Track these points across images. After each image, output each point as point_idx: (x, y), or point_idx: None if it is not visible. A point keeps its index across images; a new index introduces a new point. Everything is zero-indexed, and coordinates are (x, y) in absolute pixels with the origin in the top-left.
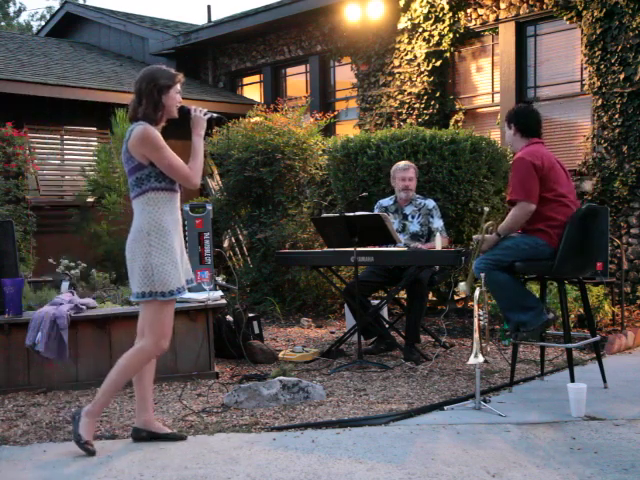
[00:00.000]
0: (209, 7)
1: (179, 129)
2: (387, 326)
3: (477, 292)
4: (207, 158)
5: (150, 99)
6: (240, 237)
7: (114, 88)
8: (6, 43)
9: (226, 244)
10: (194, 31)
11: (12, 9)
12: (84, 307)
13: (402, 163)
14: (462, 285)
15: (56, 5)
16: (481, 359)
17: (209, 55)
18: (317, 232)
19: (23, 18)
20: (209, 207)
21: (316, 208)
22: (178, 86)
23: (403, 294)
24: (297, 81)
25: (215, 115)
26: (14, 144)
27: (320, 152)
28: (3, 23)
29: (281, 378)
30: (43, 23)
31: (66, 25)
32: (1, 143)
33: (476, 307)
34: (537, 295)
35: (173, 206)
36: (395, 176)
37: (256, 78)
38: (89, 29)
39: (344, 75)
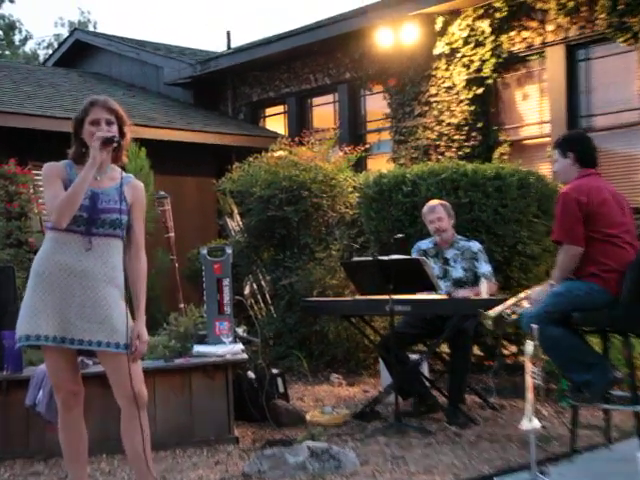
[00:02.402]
0: (229, 33)
1: (194, 166)
2: (428, 384)
3: (530, 346)
4: (226, 196)
5: (72, 136)
6: (262, 283)
7: None
8: (11, 74)
9: (247, 291)
10: (213, 59)
11: (17, 37)
12: (90, 362)
13: (426, 206)
14: (488, 314)
15: (64, 33)
16: (536, 423)
17: (229, 84)
18: (348, 278)
19: (29, 47)
20: (229, 250)
21: (346, 251)
22: (95, 114)
23: (445, 348)
24: (324, 112)
25: (112, 136)
26: (17, 182)
27: (350, 189)
28: (8, 52)
29: (309, 444)
30: (50, 52)
31: (75, 54)
32: (3, 181)
33: (529, 363)
34: (599, 350)
35: (61, 246)
36: (425, 220)
37: (280, 109)
38: (99, 58)
39: (376, 105)
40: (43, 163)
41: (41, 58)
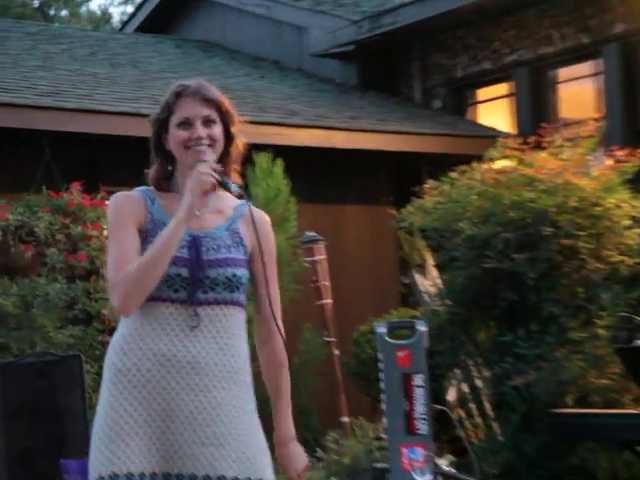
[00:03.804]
0: None
1: (361, 188)
2: None
3: None
4: (414, 237)
5: (152, 148)
6: (478, 383)
7: (252, 117)
8: (71, 47)
9: (453, 396)
10: (389, 11)
11: None
12: None
13: None
14: None
15: None
16: None
17: (415, 52)
18: (628, 374)
19: (97, 3)
20: (421, 328)
21: (624, 329)
22: (185, 110)
23: None
24: (578, 92)
25: (235, 190)
26: (83, 220)
27: (628, 222)
28: (65, 12)
29: None
30: (131, 10)
31: (169, 12)
32: (62, 219)
33: None
34: None
35: (151, 325)
36: None
37: (502, 89)
38: (207, 17)
39: None
40: (121, 187)
41: (115, 21)
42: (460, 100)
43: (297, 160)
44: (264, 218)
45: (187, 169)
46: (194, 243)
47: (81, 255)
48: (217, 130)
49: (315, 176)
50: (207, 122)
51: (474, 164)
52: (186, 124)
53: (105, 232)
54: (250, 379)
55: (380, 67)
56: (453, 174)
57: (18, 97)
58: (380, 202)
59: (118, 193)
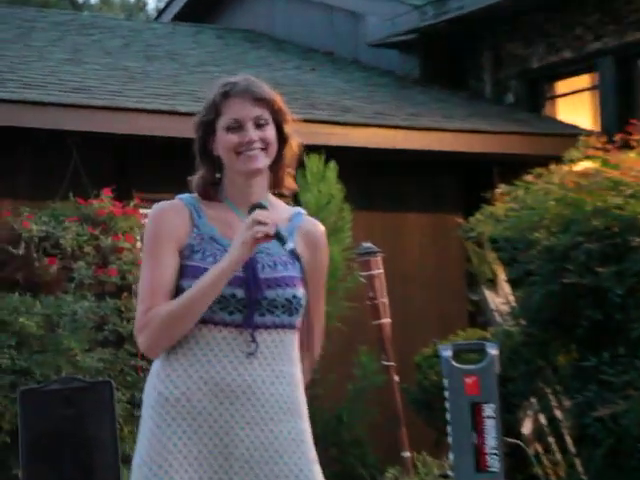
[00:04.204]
0: None
1: (423, 193)
2: None
3: None
4: (484, 249)
5: (197, 153)
6: (557, 414)
7: (302, 114)
8: (103, 37)
9: (528, 429)
10: None
11: None
12: None
13: None
14: None
15: None
16: None
17: (485, 40)
18: None
19: None
20: (492, 351)
21: None
22: (234, 111)
23: None
24: None
25: (289, 247)
26: (115, 230)
27: None
28: None
29: None
30: None
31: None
32: (91, 229)
33: None
34: None
35: (202, 351)
36: None
37: (584, 81)
38: (252, 3)
39: None
40: (157, 195)
41: (151, 9)
42: (536, 94)
43: (352, 162)
44: (319, 229)
45: (236, 175)
46: (249, 260)
47: (112, 269)
48: (270, 132)
49: (372, 180)
50: (259, 124)
51: (552, 166)
52: (236, 127)
53: (139, 244)
54: (306, 409)
55: (445, 58)
56: (528, 177)
57: (44, 94)
58: (445, 209)
59: (160, 204)
